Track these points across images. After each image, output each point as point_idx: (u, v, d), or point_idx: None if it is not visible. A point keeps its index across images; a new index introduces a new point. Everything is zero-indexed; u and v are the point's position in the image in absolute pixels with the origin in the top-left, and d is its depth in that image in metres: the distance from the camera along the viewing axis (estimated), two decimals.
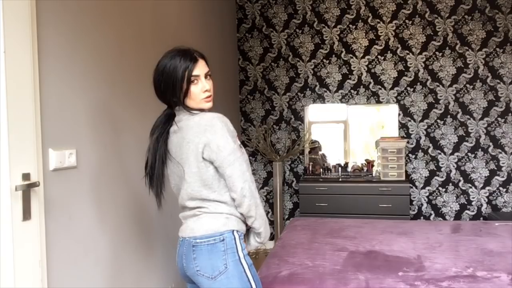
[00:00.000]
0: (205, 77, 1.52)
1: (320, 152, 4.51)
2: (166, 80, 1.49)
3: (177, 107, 1.55)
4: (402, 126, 4.25)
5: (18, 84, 1.41)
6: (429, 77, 4.19)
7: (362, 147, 4.58)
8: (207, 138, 1.44)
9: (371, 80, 4.30)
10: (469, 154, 4.14)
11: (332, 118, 4.47)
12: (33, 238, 1.46)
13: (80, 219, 1.79)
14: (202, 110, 1.53)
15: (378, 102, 4.30)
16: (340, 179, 4.17)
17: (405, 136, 4.22)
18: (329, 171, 4.31)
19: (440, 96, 4.17)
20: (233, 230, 1.48)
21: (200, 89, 1.50)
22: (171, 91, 1.49)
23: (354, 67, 4.33)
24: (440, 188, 4.21)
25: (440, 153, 4.19)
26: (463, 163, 4.15)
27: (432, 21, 4.17)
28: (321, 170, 4.31)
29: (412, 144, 4.23)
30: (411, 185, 4.21)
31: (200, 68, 1.51)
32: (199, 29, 3.40)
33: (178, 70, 1.47)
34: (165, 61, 1.50)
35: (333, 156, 4.51)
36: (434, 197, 4.22)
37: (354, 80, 4.33)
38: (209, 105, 1.52)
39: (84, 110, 1.85)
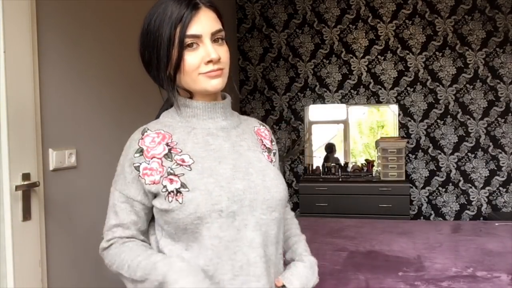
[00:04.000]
0: (214, 40, 0.91)
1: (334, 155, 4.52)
2: (150, 43, 0.93)
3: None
4: (402, 126, 4.25)
5: (18, 84, 1.41)
6: (429, 77, 4.19)
7: (362, 147, 4.58)
8: None
9: (371, 80, 4.30)
10: (469, 154, 4.14)
11: (332, 118, 4.47)
12: (33, 238, 1.46)
13: (80, 219, 1.79)
14: (204, 94, 0.94)
15: (378, 102, 4.30)
16: (340, 179, 4.17)
17: (405, 136, 4.22)
18: (329, 171, 4.31)
19: (440, 96, 4.17)
20: None
21: (201, 58, 0.89)
22: (155, 62, 0.93)
23: (354, 67, 4.33)
24: (440, 188, 4.21)
25: (440, 153, 4.19)
26: (463, 163, 4.15)
27: (432, 21, 4.16)
28: (321, 170, 4.31)
29: (412, 144, 4.23)
30: (411, 185, 4.21)
31: (203, 23, 0.89)
32: None
33: (165, 26, 0.89)
34: (152, 13, 0.93)
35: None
36: (434, 197, 4.22)
37: (354, 80, 4.33)
38: (215, 83, 0.90)
39: (84, 110, 1.85)
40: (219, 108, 0.96)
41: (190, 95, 0.95)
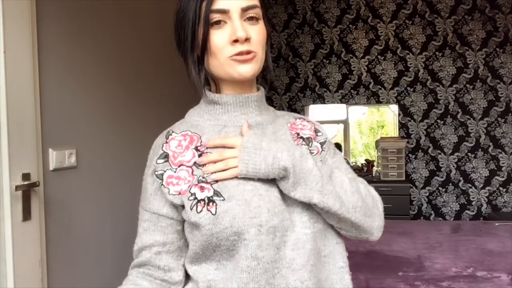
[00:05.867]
0: (244, 17, 0.78)
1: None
2: (179, 21, 0.81)
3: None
4: (402, 126, 4.25)
5: (18, 84, 1.41)
6: (429, 77, 4.19)
7: (362, 147, 4.58)
8: None
9: (371, 80, 4.30)
10: (469, 154, 4.14)
11: (332, 118, 4.47)
12: (33, 238, 1.46)
13: (80, 219, 1.79)
14: (232, 84, 0.82)
15: (378, 102, 4.30)
16: None
17: (405, 136, 4.22)
18: None
19: (440, 96, 4.17)
20: None
21: (228, 37, 0.76)
22: (183, 43, 0.81)
23: (354, 67, 4.33)
24: (440, 188, 4.21)
25: (440, 153, 4.19)
26: (463, 163, 4.15)
27: (432, 21, 4.16)
28: None
29: (412, 144, 4.23)
30: (411, 185, 4.21)
31: None
32: None
33: (192, 1, 0.78)
34: None
35: None
36: (434, 197, 4.22)
37: (354, 80, 4.33)
38: (243, 69, 0.77)
39: (84, 110, 1.85)
40: (252, 101, 0.83)
41: (218, 87, 0.83)
